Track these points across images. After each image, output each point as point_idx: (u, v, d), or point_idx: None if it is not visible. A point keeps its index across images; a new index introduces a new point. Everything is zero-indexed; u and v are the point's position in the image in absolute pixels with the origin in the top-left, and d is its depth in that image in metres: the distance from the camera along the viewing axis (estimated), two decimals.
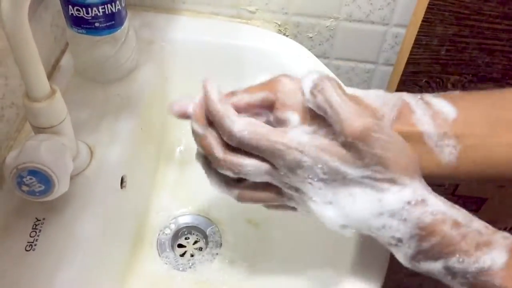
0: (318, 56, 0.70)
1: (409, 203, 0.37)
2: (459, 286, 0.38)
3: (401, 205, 0.37)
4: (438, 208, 0.37)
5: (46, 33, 0.60)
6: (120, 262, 0.57)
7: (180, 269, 0.61)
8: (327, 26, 0.73)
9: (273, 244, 0.62)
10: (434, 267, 0.38)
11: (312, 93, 0.38)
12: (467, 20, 0.67)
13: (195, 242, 0.65)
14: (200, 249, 0.64)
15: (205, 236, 0.64)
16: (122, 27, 0.57)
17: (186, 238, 0.65)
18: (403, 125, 0.40)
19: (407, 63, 0.72)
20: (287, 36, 0.75)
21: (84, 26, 0.55)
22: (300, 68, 0.67)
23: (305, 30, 0.74)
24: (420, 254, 0.38)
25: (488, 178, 0.42)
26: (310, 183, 0.38)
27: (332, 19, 0.72)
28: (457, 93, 0.43)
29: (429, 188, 0.39)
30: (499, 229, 0.38)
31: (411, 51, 0.71)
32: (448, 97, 0.42)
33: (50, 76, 0.61)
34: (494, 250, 0.36)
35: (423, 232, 0.37)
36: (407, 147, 0.39)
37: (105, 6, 0.54)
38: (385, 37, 0.73)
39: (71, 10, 0.54)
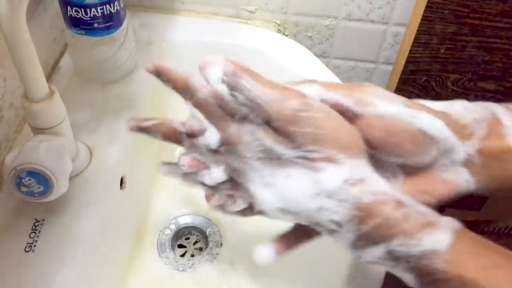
0: (317, 56, 0.70)
1: (346, 181, 0.35)
2: (403, 272, 0.35)
3: (338, 185, 0.35)
4: (379, 188, 0.35)
5: (45, 34, 0.60)
6: (120, 263, 0.57)
7: (180, 269, 0.61)
8: (327, 25, 0.73)
9: None
10: (376, 252, 0.35)
11: (232, 94, 0.37)
12: (466, 18, 0.67)
13: (196, 242, 0.65)
14: (201, 249, 0.64)
15: (205, 236, 0.64)
16: (121, 28, 0.57)
17: (186, 238, 0.65)
18: (493, 140, 0.39)
19: (407, 61, 0.72)
20: (286, 35, 0.75)
21: (83, 26, 0.55)
22: (300, 68, 0.67)
23: (304, 30, 0.74)
24: (361, 240, 0.35)
25: None
26: (248, 162, 0.37)
27: (331, 18, 0.72)
28: None
29: (372, 168, 0.37)
30: (499, 228, 0.38)
31: (410, 50, 0.71)
32: None
33: (49, 77, 0.61)
34: (438, 231, 0.34)
35: (362, 213, 0.35)
36: (346, 124, 0.37)
37: (104, 6, 0.54)
38: (384, 36, 0.73)
39: (69, 11, 0.54)
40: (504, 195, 0.40)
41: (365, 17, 0.71)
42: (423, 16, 0.67)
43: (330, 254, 0.54)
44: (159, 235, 0.64)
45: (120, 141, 0.55)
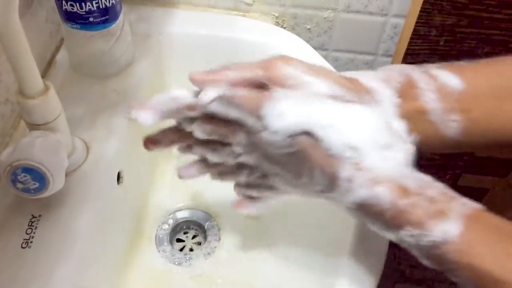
0: (316, 48, 0.69)
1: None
2: (421, 258, 0.35)
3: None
4: (382, 173, 0.35)
5: (41, 29, 0.60)
6: (118, 258, 0.57)
7: (178, 263, 0.61)
8: (325, 18, 0.72)
9: (272, 238, 0.62)
10: (391, 237, 0.36)
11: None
12: (465, 10, 0.66)
13: (194, 237, 0.64)
14: (199, 243, 0.64)
15: (204, 231, 0.64)
16: (117, 22, 0.57)
17: (184, 233, 0.65)
18: (407, 102, 0.39)
19: (406, 54, 0.72)
20: (284, 28, 0.74)
21: (79, 21, 0.55)
22: None
23: (302, 22, 0.73)
24: (373, 225, 0.36)
25: (492, 145, 0.41)
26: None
27: (330, 11, 0.71)
28: (462, 63, 0.42)
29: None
30: None
31: (409, 42, 0.70)
32: (453, 68, 0.41)
33: (45, 72, 0.60)
34: (447, 220, 0.33)
35: (366, 203, 0.35)
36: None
37: (99, 0, 0.54)
38: (384, 28, 0.73)
39: (64, 5, 0.53)
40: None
41: (364, 9, 0.71)
42: (421, 8, 0.66)
43: (329, 249, 0.54)
44: (157, 229, 0.64)
45: (117, 135, 0.55)
